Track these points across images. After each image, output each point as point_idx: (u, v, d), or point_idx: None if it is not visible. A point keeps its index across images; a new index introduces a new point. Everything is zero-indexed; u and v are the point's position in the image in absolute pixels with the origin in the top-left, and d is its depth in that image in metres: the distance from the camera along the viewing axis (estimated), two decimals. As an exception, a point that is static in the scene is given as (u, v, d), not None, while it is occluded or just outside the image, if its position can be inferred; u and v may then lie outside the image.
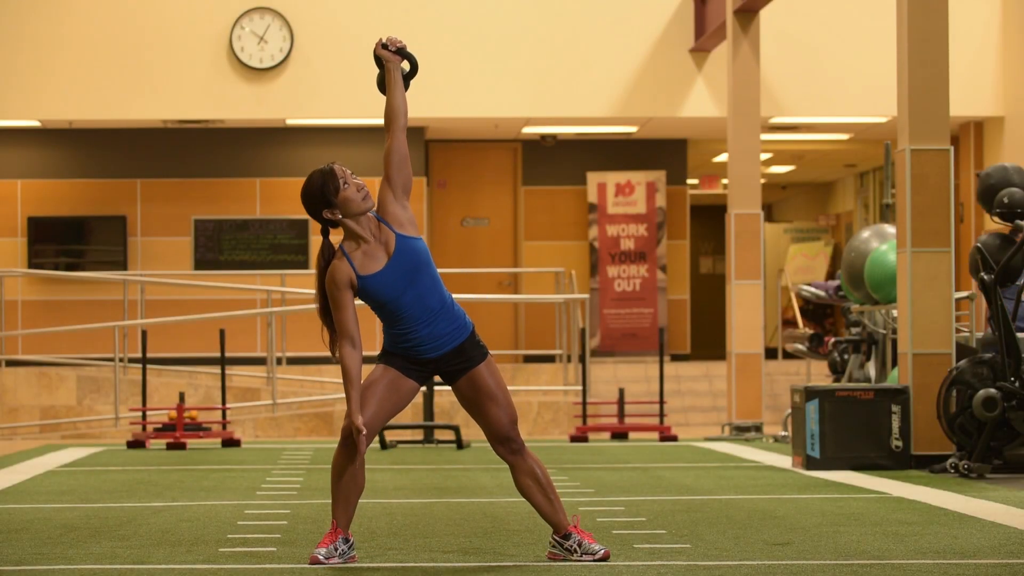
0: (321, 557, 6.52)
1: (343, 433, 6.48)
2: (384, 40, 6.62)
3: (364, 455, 6.51)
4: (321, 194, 6.49)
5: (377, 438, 14.41)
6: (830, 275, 24.26)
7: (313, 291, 18.95)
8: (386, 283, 6.47)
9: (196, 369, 18.38)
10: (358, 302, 6.56)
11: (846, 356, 14.68)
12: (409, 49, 6.67)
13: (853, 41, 19.08)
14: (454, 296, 6.73)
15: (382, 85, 6.66)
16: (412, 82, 6.66)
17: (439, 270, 24.55)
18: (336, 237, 6.63)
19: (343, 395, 17.99)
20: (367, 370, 6.60)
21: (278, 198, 20.25)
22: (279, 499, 9.51)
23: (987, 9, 19.16)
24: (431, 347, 6.54)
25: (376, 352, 6.77)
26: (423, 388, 14.54)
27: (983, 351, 11.35)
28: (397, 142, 6.53)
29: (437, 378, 6.81)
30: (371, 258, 6.48)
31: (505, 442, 6.60)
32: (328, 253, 6.54)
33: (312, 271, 19.96)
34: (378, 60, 6.65)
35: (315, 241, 20.14)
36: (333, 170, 6.50)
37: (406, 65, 6.64)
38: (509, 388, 21.45)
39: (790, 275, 23.90)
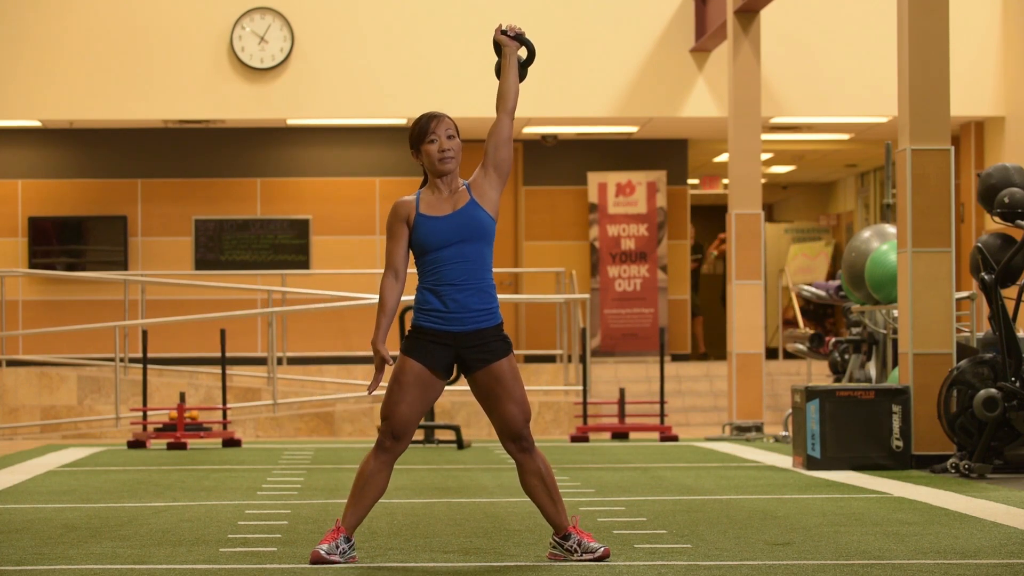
0: (323, 553, 6.50)
1: (380, 436, 6.46)
2: (504, 26, 6.65)
3: (394, 462, 6.51)
4: (416, 134, 6.58)
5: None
6: (831, 275, 24.26)
7: (313, 291, 18.94)
8: (438, 231, 6.50)
9: (197, 369, 18.38)
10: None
11: (847, 356, 14.68)
12: (527, 36, 6.72)
13: (853, 41, 19.08)
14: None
15: (499, 70, 6.70)
16: (509, 73, 6.63)
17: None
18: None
19: (344, 395, 18.07)
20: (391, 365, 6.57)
21: (279, 198, 20.25)
22: (280, 499, 9.51)
23: (987, 9, 19.15)
24: (455, 318, 6.49)
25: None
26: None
27: (984, 351, 11.34)
28: (500, 124, 6.63)
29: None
30: (437, 205, 6.54)
31: (517, 439, 6.64)
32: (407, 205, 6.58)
33: (312, 271, 19.97)
34: (496, 47, 6.68)
35: (315, 241, 20.18)
36: (435, 119, 6.56)
37: (523, 52, 6.67)
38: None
39: (791, 275, 23.90)
